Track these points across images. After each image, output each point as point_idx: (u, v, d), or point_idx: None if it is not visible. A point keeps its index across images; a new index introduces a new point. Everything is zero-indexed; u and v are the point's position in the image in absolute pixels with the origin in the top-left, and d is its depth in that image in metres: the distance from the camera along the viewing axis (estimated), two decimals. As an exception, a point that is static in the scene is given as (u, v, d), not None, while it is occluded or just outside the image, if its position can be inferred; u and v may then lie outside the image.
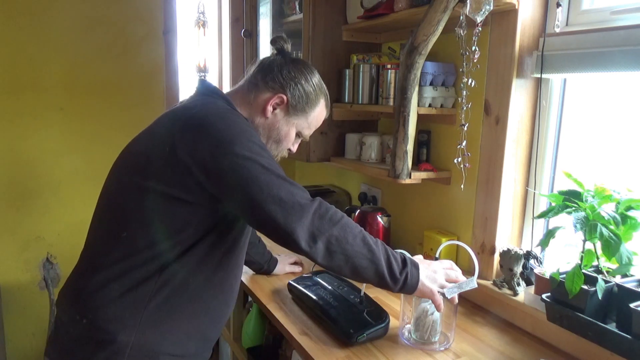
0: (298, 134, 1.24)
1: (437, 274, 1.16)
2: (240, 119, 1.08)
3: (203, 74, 2.54)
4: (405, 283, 1.09)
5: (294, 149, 1.27)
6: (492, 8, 1.25)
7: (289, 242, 1.01)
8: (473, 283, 1.20)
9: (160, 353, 1.06)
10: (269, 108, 1.17)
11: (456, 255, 1.62)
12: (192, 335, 1.12)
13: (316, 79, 1.22)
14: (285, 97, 1.17)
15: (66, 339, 1.07)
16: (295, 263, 1.74)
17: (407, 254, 1.17)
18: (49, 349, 1.12)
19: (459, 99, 1.48)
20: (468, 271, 1.42)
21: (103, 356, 1.02)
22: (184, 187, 1.01)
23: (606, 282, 1.05)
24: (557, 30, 1.30)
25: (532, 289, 1.33)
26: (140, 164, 1.06)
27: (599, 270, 1.11)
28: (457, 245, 1.52)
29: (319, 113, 1.24)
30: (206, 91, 1.17)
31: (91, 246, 1.13)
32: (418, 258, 1.19)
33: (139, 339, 1.03)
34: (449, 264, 1.23)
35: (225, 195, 1.03)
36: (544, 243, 1.13)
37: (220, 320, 1.20)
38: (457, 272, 1.22)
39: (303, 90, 1.19)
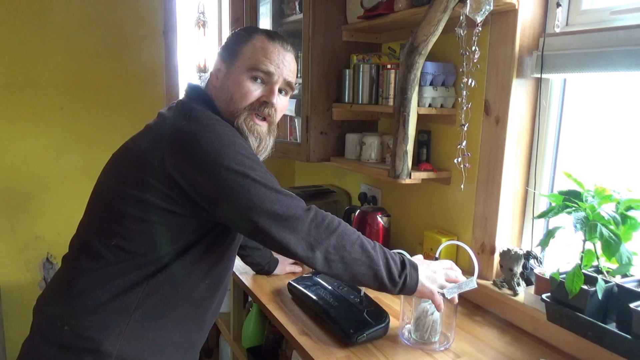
0: (251, 71, 1.09)
1: (437, 274, 1.16)
2: (229, 130, 1.04)
3: (203, 74, 2.54)
4: (404, 285, 1.09)
5: (271, 98, 1.11)
6: (492, 8, 1.25)
7: (285, 253, 1.02)
8: (473, 283, 1.20)
9: None
10: (214, 77, 1.14)
11: (456, 255, 1.62)
12: (178, 343, 1.10)
13: (244, 27, 1.20)
14: (218, 58, 1.15)
15: (44, 346, 1.01)
16: (295, 263, 1.74)
17: (407, 255, 1.17)
18: (25, 352, 1.05)
19: (459, 99, 1.48)
20: (468, 271, 1.41)
21: None
22: (173, 200, 0.99)
23: (606, 282, 1.05)
24: (557, 30, 1.30)
25: (532, 289, 1.33)
26: (130, 174, 1.03)
27: (599, 270, 1.11)
28: (457, 245, 1.52)
29: (256, 43, 1.11)
30: (196, 97, 1.13)
31: (78, 250, 1.09)
32: (418, 258, 1.19)
33: (124, 347, 1.00)
34: (449, 264, 1.23)
35: (217, 211, 1.00)
36: (544, 243, 1.13)
37: (206, 327, 1.19)
38: (457, 272, 1.22)
39: (229, 39, 1.16)
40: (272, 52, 1.10)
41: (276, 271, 1.69)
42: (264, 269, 1.67)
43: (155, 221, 1.01)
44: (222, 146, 0.98)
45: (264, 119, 1.13)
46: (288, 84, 1.15)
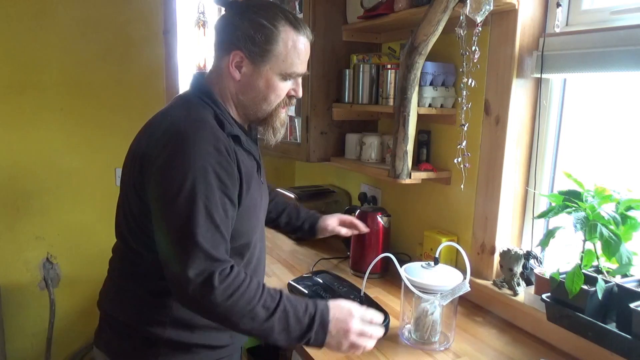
0: (285, 76, 1.09)
1: (351, 332, 1.03)
2: (205, 142, 0.98)
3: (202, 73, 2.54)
4: (307, 344, 1.02)
5: (299, 92, 1.14)
6: (492, 8, 1.25)
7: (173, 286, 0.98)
8: (466, 287, 1.19)
9: (192, 345, 1.09)
10: (233, 70, 1.07)
11: (456, 256, 1.62)
12: (221, 326, 1.10)
13: (264, 12, 1.06)
14: (240, 52, 1.05)
15: (109, 333, 1.13)
16: (352, 223, 1.56)
17: (320, 311, 1.03)
18: (96, 340, 1.17)
19: (459, 99, 1.48)
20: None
21: (141, 349, 1.07)
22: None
23: (606, 282, 1.05)
24: (557, 30, 1.30)
25: (532, 289, 1.33)
26: (128, 173, 1.06)
27: (599, 270, 1.11)
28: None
29: (287, 40, 1.06)
30: (196, 92, 1.11)
31: (117, 251, 1.17)
32: (337, 305, 1.05)
33: (170, 334, 1.06)
34: (370, 316, 1.08)
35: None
36: (544, 243, 1.13)
37: None
38: (375, 330, 1.07)
39: (252, 32, 1.04)
40: (303, 52, 1.09)
41: (324, 227, 1.53)
42: (302, 228, 1.53)
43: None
44: (187, 161, 0.96)
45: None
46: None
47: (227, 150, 1.01)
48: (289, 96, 1.13)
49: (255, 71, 1.07)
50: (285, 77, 1.09)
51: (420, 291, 1.20)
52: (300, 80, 1.14)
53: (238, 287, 0.97)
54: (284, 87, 1.11)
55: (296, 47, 1.07)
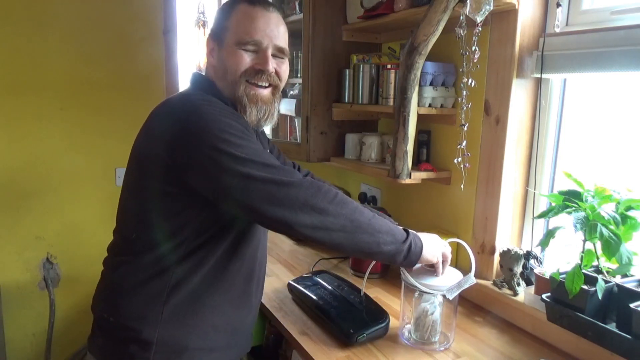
0: (242, 44, 1.09)
1: (436, 241, 1.19)
2: (214, 108, 1.02)
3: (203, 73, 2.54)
4: (409, 250, 1.09)
5: (266, 65, 1.10)
6: (492, 8, 1.25)
7: (284, 229, 0.98)
8: (472, 279, 1.20)
9: (187, 348, 1.07)
10: (210, 58, 1.15)
11: (456, 255, 1.62)
12: (219, 327, 1.11)
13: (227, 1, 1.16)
14: (210, 40, 1.15)
15: (102, 337, 1.11)
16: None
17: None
18: (90, 346, 1.15)
19: (459, 99, 1.48)
20: (468, 270, 1.41)
21: (131, 352, 1.04)
22: (171, 182, 1.01)
23: (606, 282, 1.05)
24: (557, 30, 1.30)
25: (532, 289, 1.33)
26: (136, 165, 1.08)
27: (599, 270, 1.11)
28: (457, 244, 1.52)
29: (240, 12, 1.10)
30: (193, 81, 1.18)
31: (110, 248, 1.17)
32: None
33: (163, 334, 1.04)
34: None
35: (206, 191, 1.00)
36: (544, 243, 1.13)
37: (247, 310, 1.19)
38: (447, 247, 1.23)
39: (216, 19, 1.16)
40: (256, 19, 1.09)
41: None
42: None
43: (164, 209, 1.04)
44: (202, 126, 0.98)
45: (268, 86, 1.13)
46: (280, 50, 1.13)
47: (238, 115, 1.07)
48: (256, 70, 1.10)
49: (221, 49, 1.12)
50: (242, 44, 1.09)
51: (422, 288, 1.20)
52: (268, 53, 1.10)
53: (338, 191, 1.03)
54: (244, 56, 1.09)
55: (249, 14, 1.09)
